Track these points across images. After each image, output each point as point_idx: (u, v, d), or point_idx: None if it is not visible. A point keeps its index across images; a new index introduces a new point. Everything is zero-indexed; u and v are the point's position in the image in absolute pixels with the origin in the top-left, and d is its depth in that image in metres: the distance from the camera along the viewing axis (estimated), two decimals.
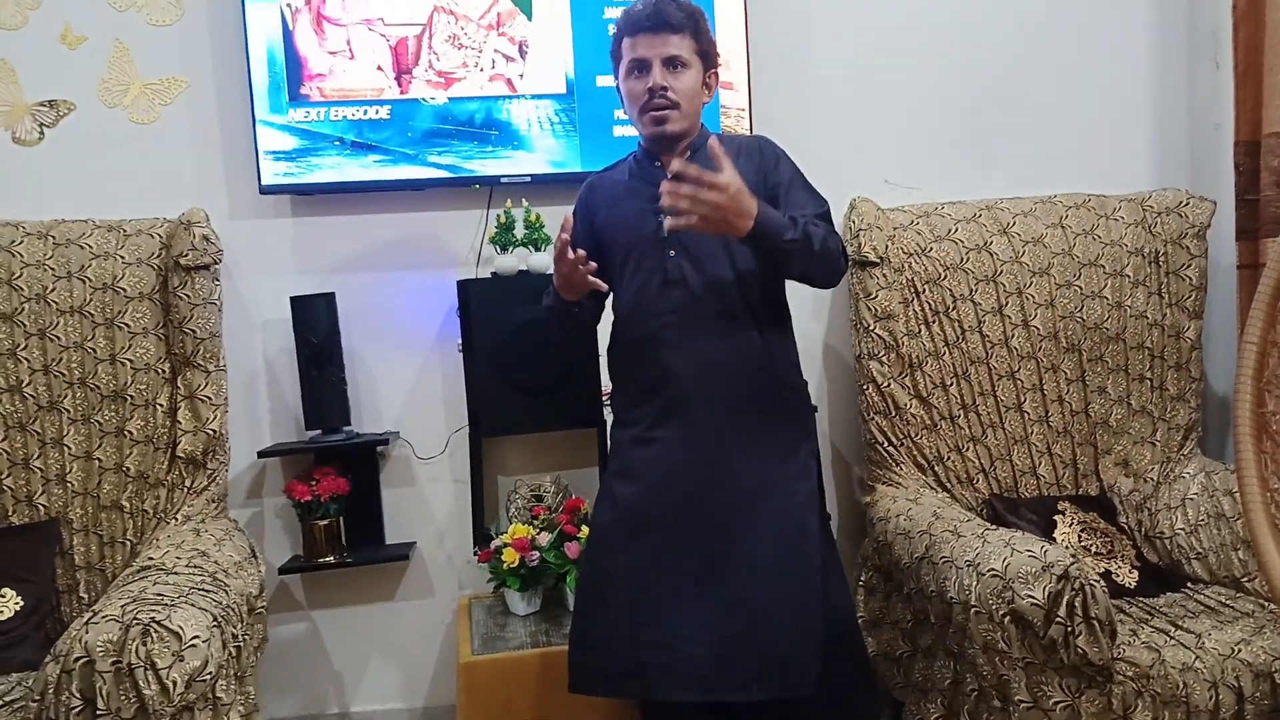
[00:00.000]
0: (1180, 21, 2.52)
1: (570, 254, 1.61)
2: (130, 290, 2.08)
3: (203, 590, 1.66)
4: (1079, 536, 2.10)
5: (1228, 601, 1.91)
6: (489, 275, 2.28)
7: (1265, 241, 2.26)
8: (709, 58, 1.72)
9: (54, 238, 2.08)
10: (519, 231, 2.26)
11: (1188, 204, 2.32)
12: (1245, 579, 1.97)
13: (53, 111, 2.26)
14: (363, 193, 2.31)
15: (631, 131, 2.32)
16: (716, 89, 1.78)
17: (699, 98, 1.71)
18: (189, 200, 2.19)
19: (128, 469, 2.05)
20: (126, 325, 2.07)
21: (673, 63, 1.65)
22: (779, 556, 1.63)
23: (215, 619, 1.59)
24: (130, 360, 2.07)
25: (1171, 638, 1.73)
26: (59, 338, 2.05)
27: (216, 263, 2.10)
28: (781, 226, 1.57)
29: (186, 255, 2.05)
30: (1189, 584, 2.04)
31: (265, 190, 2.24)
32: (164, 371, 2.09)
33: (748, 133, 2.14)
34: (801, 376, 1.81)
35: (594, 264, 1.65)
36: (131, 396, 2.07)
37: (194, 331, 2.07)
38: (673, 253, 1.67)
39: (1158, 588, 2.03)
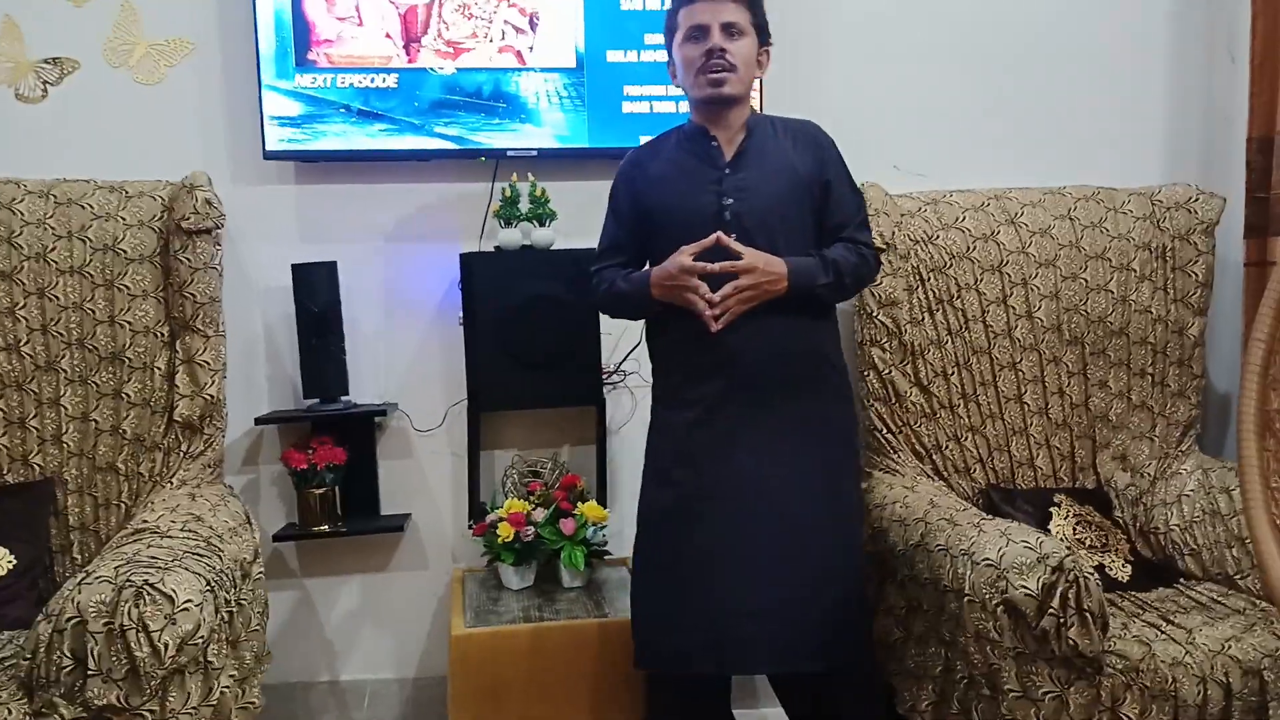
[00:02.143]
0: (1197, 15, 2.50)
1: (696, 282, 1.65)
2: (131, 252, 2.06)
3: (196, 554, 1.66)
4: (1074, 529, 2.10)
5: (1219, 598, 1.91)
6: (492, 249, 2.26)
7: (1275, 240, 2.24)
8: (763, 32, 1.77)
9: (55, 197, 2.07)
10: (524, 206, 2.24)
11: (1197, 199, 2.30)
12: (1238, 576, 1.97)
13: (56, 69, 2.23)
14: (367, 161, 2.29)
15: (640, 108, 2.32)
16: (768, 67, 1.81)
17: (754, 68, 1.76)
18: (192, 164, 2.18)
19: (124, 431, 2.05)
20: (126, 287, 2.06)
21: (730, 29, 1.70)
22: (835, 533, 1.73)
23: (208, 583, 1.59)
24: (129, 322, 2.06)
25: (1162, 632, 1.74)
26: (58, 297, 2.04)
27: (218, 227, 2.09)
28: (813, 274, 1.70)
29: (188, 219, 2.04)
30: (1182, 580, 2.05)
31: (269, 156, 2.23)
32: (163, 335, 2.08)
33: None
34: (840, 354, 1.86)
35: (713, 296, 1.66)
36: (130, 359, 2.06)
37: (194, 296, 2.06)
38: (734, 235, 1.70)
39: (1150, 582, 2.03)
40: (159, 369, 2.07)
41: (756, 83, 2.28)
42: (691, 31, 1.71)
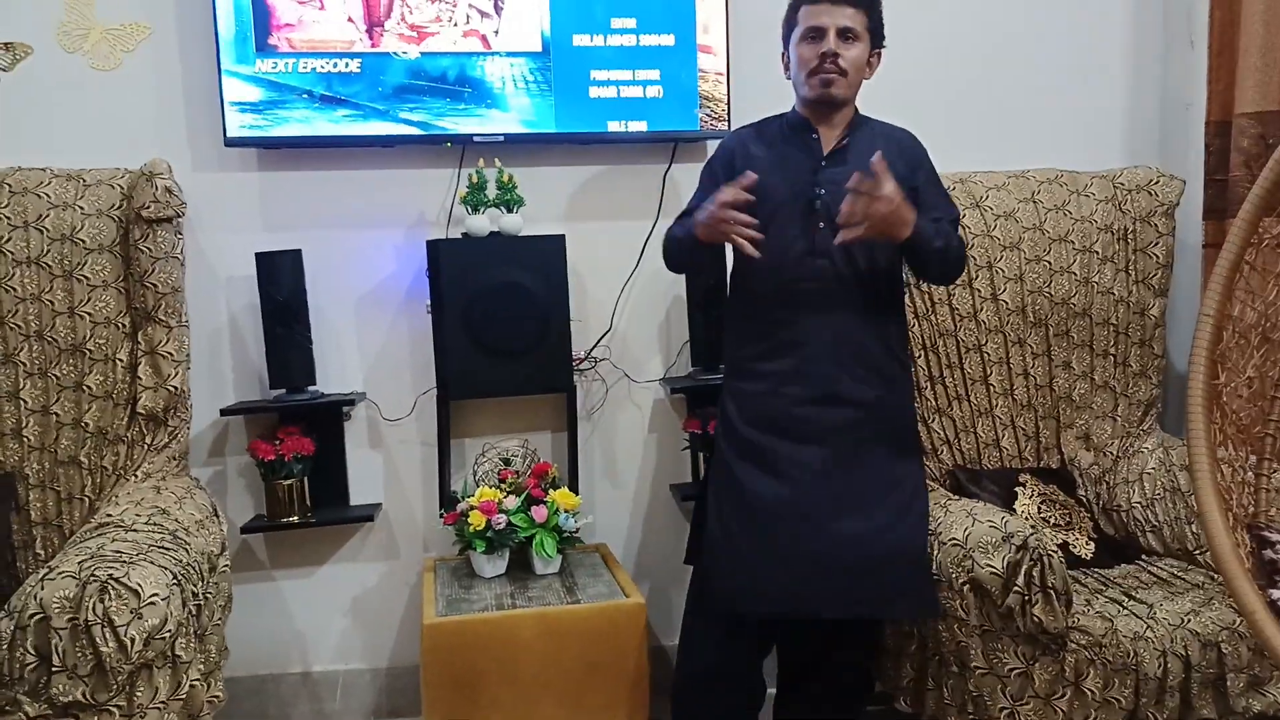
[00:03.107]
0: (1156, 1, 2.53)
1: (733, 210, 1.68)
2: (90, 242, 2.02)
3: (162, 548, 1.64)
4: (1039, 508, 2.13)
5: (1179, 574, 1.96)
6: (460, 236, 2.25)
7: (1231, 221, 2.28)
8: (877, 36, 1.82)
9: (10, 186, 2.02)
10: (491, 192, 2.22)
11: (1158, 182, 2.34)
12: (1197, 551, 2.02)
13: (9, 55, 2.18)
14: (331, 148, 2.26)
15: (607, 93, 2.31)
16: (877, 69, 1.86)
17: (862, 72, 1.82)
18: (151, 151, 2.13)
19: (86, 424, 2.01)
20: (86, 278, 2.02)
21: (846, 34, 1.76)
22: (902, 502, 1.79)
23: (175, 577, 1.58)
24: (89, 314, 2.02)
25: (1124, 608, 1.77)
26: (15, 289, 1.99)
27: (179, 215, 2.05)
28: (931, 235, 1.74)
29: (148, 207, 2.00)
30: (1143, 556, 2.09)
31: (230, 143, 2.19)
32: (124, 326, 2.05)
33: (887, 122, 2.04)
34: (910, 365, 1.97)
35: (754, 233, 1.69)
36: (90, 350, 2.02)
37: (155, 286, 2.02)
38: (821, 225, 1.76)
39: (1113, 559, 2.07)
40: (121, 361, 2.04)
41: (723, 68, 2.32)
42: (809, 32, 1.76)
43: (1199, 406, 1.16)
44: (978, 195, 2.31)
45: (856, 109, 1.87)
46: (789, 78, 1.86)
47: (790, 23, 1.82)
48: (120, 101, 2.21)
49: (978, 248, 2.28)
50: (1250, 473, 1.25)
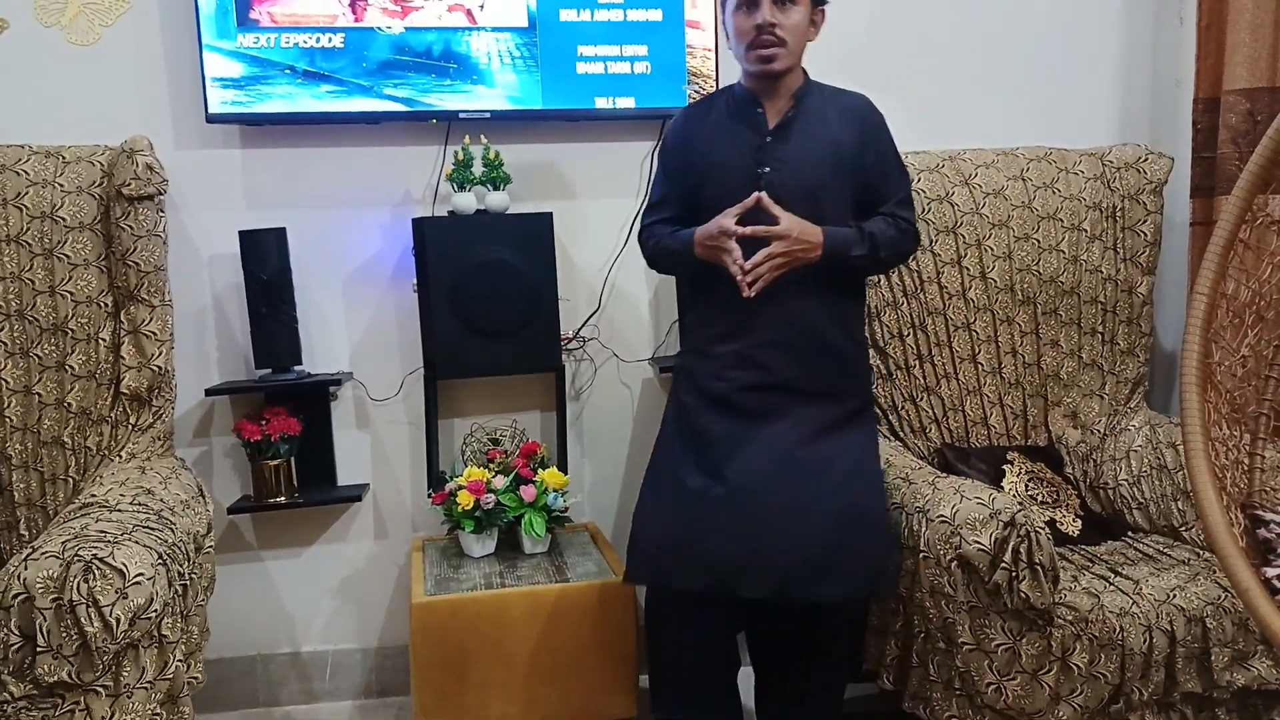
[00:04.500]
0: None
1: (731, 244, 1.67)
2: (70, 220, 1.99)
3: (147, 528, 1.62)
4: (1026, 486, 2.14)
5: (1165, 550, 1.97)
6: (446, 214, 2.23)
7: (1220, 199, 2.28)
8: None
9: None
10: (477, 169, 2.20)
11: (1146, 160, 2.33)
12: (1183, 528, 2.03)
13: None
14: (315, 125, 2.23)
15: (595, 69, 2.29)
16: (822, 27, 1.80)
17: (805, 36, 1.75)
18: (131, 127, 2.10)
19: (69, 404, 1.99)
20: (66, 256, 1.99)
21: (782, 0, 1.69)
22: (853, 480, 1.73)
23: (160, 556, 1.56)
24: (70, 292, 2.00)
25: (1111, 584, 1.78)
26: None
27: (161, 193, 2.02)
28: (849, 244, 1.71)
29: (129, 185, 1.97)
30: (1130, 533, 2.10)
31: (212, 119, 2.16)
32: (106, 305, 2.02)
33: (844, 88, 1.96)
34: (866, 343, 1.92)
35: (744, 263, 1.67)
36: (73, 330, 2.00)
37: (138, 264, 2.00)
38: None
39: (1100, 536, 2.08)
40: (104, 340, 2.02)
41: (711, 44, 2.29)
42: (743, 1, 1.70)
43: (1193, 385, 1.16)
44: (967, 173, 2.30)
45: (805, 76, 1.81)
46: (730, 49, 1.78)
47: None
48: (99, 77, 2.17)
49: (966, 225, 2.27)
50: (1244, 452, 1.25)
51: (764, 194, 1.67)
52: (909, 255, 1.86)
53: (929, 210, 2.26)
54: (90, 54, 2.17)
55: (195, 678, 1.72)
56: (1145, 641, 1.66)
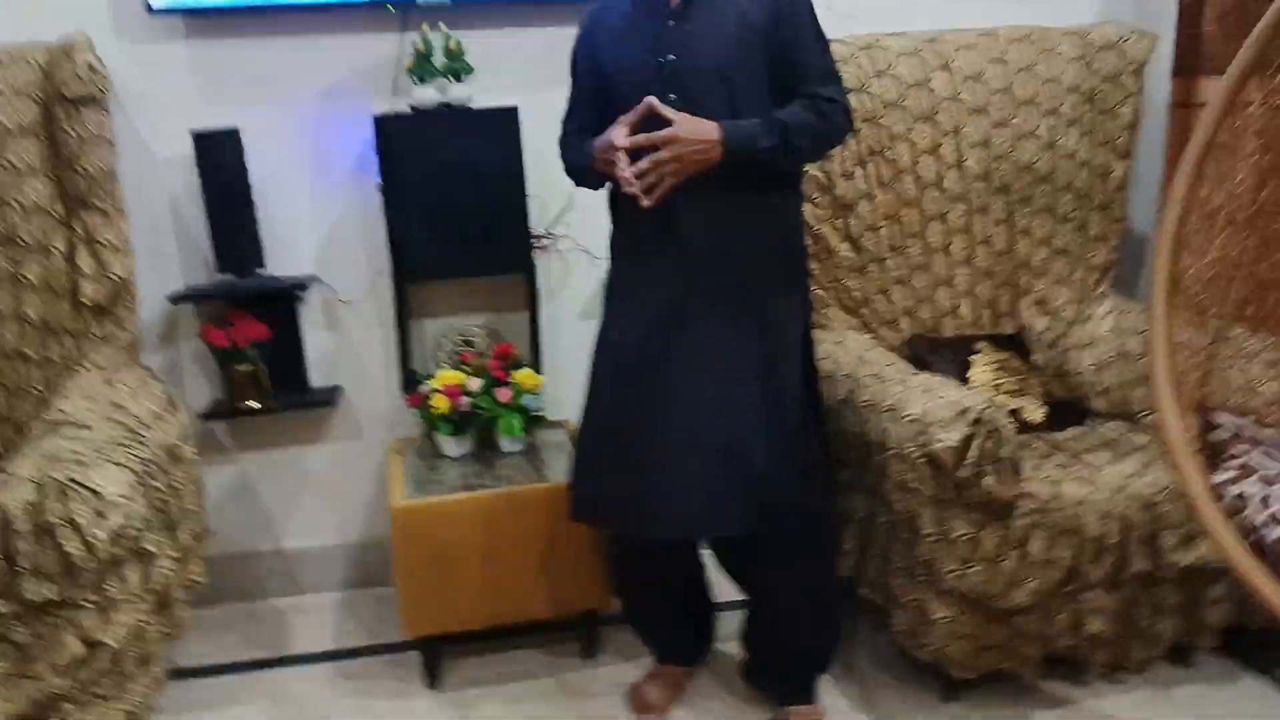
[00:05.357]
0: None
1: (617, 156, 1.59)
2: (10, 124, 1.90)
3: (121, 444, 1.62)
4: (993, 374, 2.17)
5: (1124, 435, 2.02)
6: (407, 108, 2.14)
7: (1201, 79, 2.23)
8: None
9: None
10: (438, 60, 2.11)
11: (1128, 39, 2.26)
12: (1140, 415, 2.08)
13: None
14: (263, 14, 2.11)
15: None
16: None
17: None
18: (65, 18, 1.99)
19: (28, 316, 1.95)
20: (9, 162, 1.91)
21: None
22: (759, 400, 1.65)
23: (135, 474, 1.57)
24: (19, 201, 1.93)
25: (1069, 471, 1.84)
26: None
27: (104, 93, 1.93)
28: (754, 138, 1.57)
29: (70, 86, 1.88)
30: (1091, 416, 2.15)
31: (154, 12, 2.03)
32: (58, 213, 1.96)
33: None
34: (803, 239, 1.80)
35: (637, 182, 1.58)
36: (24, 240, 1.94)
37: (86, 170, 1.92)
38: (673, 96, 1.60)
39: (1062, 422, 2.13)
40: (58, 250, 1.96)
41: None
42: None
43: (1160, 296, 1.16)
44: (946, 56, 2.23)
45: None
46: None
47: None
48: None
49: (945, 112, 2.22)
50: (1203, 354, 1.27)
51: (653, 98, 1.56)
52: (840, 137, 1.68)
53: (906, 96, 2.20)
54: None
55: (193, 580, 1.77)
56: (1100, 527, 1.73)
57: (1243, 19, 2.11)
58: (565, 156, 1.80)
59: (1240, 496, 1.10)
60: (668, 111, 1.57)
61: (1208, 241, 1.24)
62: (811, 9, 1.67)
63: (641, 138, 1.57)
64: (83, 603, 1.48)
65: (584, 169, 1.73)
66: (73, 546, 1.44)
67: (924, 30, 2.27)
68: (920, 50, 2.23)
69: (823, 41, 1.68)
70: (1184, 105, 2.28)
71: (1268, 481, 1.09)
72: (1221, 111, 1.15)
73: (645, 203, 1.58)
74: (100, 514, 1.47)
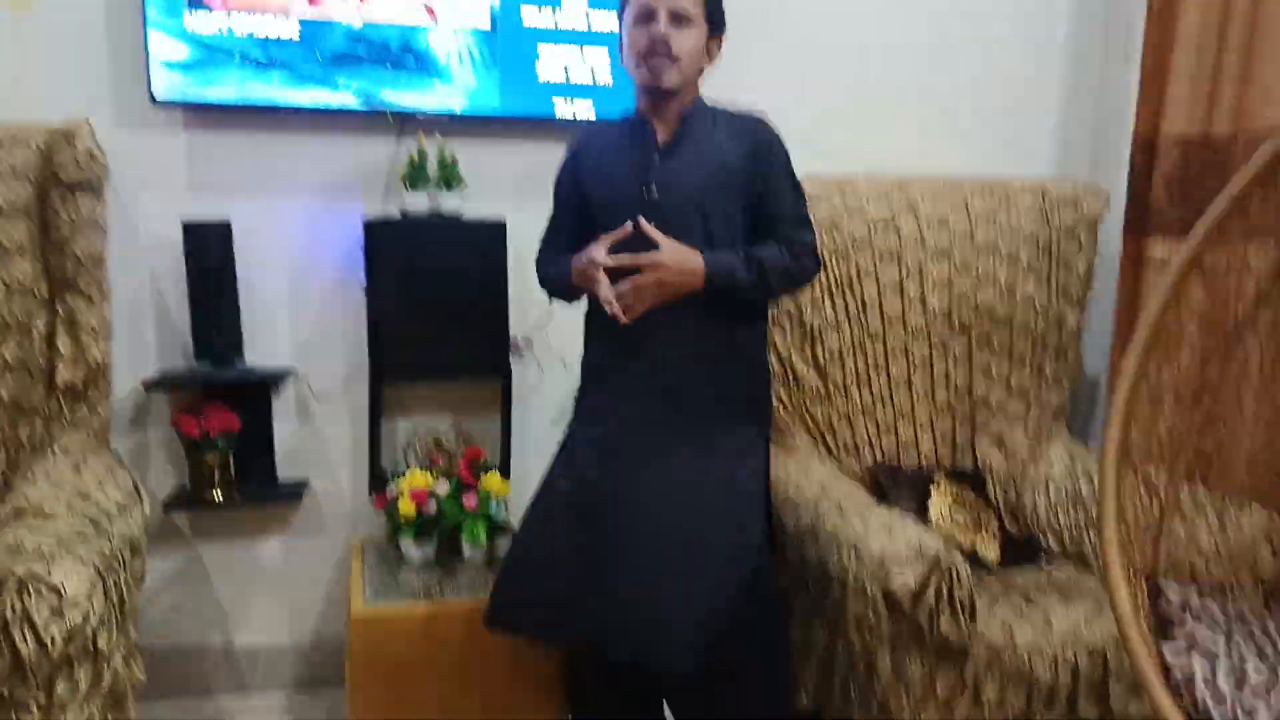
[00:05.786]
0: (1099, 11, 2.58)
1: (597, 275, 1.65)
2: (4, 204, 1.92)
3: (84, 538, 1.60)
4: (950, 509, 2.24)
5: (1075, 578, 2.09)
6: (397, 212, 2.20)
7: (1150, 238, 2.38)
8: (716, 23, 1.72)
9: None
10: (431, 169, 2.18)
11: (1084, 196, 2.42)
12: (1093, 557, 2.15)
13: None
14: (265, 113, 2.18)
15: (555, 75, 2.27)
16: (718, 57, 1.76)
17: (700, 60, 1.71)
18: (69, 103, 2.04)
19: (0, 396, 1.94)
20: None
21: (679, 18, 1.65)
22: (727, 544, 1.66)
23: (97, 570, 1.55)
24: (4, 281, 1.93)
25: (1023, 614, 1.88)
26: None
27: (102, 180, 1.96)
28: (733, 271, 1.66)
29: (68, 171, 1.91)
30: (1045, 557, 2.22)
31: (157, 103, 2.09)
32: (41, 293, 1.97)
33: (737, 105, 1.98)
34: (767, 373, 1.87)
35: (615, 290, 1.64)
36: (4, 319, 1.94)
37: (75, 254, 1.94)
38: (652, 224, 1.66)
39: (1016, 559, 2.19)
40: (38, 330, 1.96)
41: None
42: (640, 13, 1.66)
43: (1111, 465, 1.23)
44: (914, 200, 2.36)
45: (699, 97, 1.75)
46: (624, 64, 1.74)
47: (622, 2, 1.72)
48: (33, 47, 2.08)
49: (910, 253, 2.34)
50: (1154, 522, 1.34)
51: (641, 219, 1.63)
52: (807, 278, 1.78)
53: (875, 233, 2.32)
54: (25, 23, 2.07)
55: (138, 680, 1.73)
56: (1051, 675, 1.77)
57: (1187, 186, 2.27)
58: (542, 270, 1.87)
59: (1188, 670, 1.15)
60: (656, 235, 1.64)
61: (1156, 415, 1.32)
62: (787, 156, 1.77)
63: (626, 257, 1.63)
64: (29, 703, 1.45)
65: (562, 283, 1.79)
66: (26, 645, 1.41)
67: (893, 173, 2.40)
68: (889, 193, 2.36)
69: (798, 189, 1.78)
70: (1134, 261, 2.42)
71: (1211, 657, 1.15)
72: (1167, 299, 1.24)
73: (623, 320, 1.64)
74: (57, 612, 1.44)
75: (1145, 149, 2.39)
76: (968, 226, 2.37)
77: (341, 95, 2.16)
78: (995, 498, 2.34)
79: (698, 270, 1.64)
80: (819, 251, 1.78)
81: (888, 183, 2.37)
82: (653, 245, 1.64)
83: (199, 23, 2.07)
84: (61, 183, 1.93)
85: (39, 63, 2.08)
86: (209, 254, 2.10)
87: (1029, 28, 2.57)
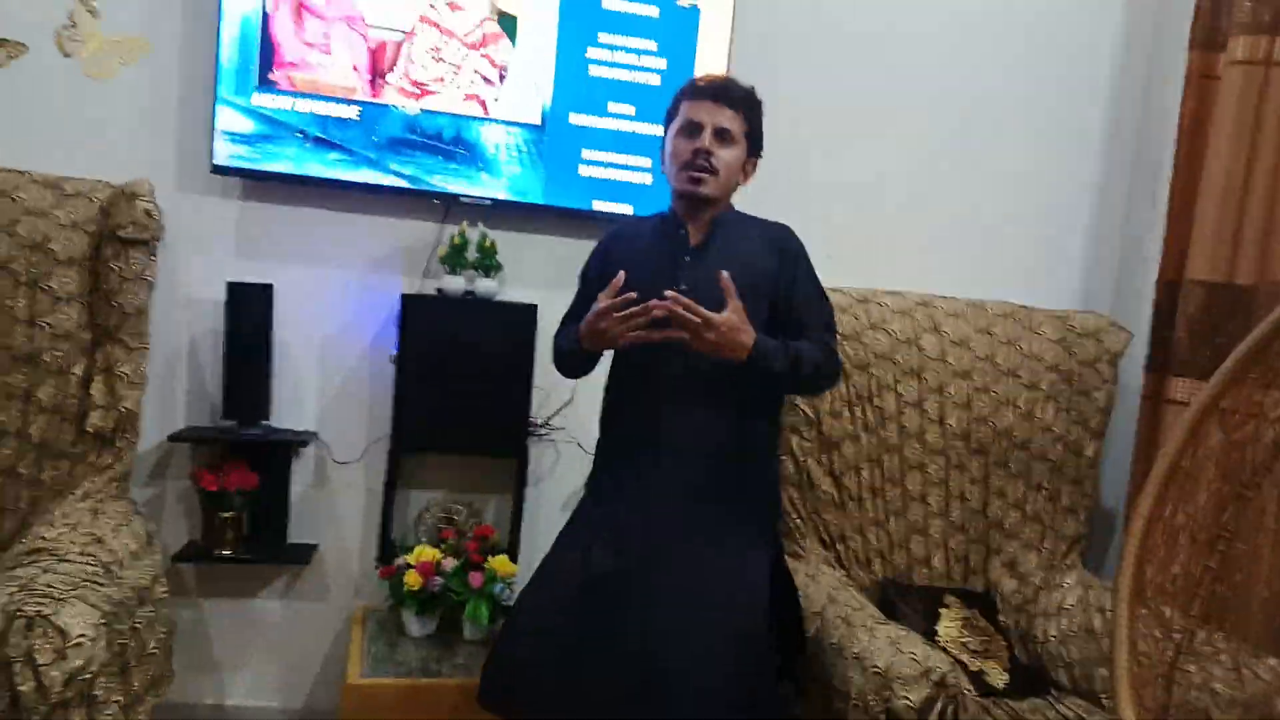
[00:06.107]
0: (1127, 151, 2.67)
1: (611, 306, 1.67)
2: (60, 253, 2.01)
3: (94, 583, 1.62)
4: (960, 631, 2.21)
5: (1084, 715, 2.03)
6: (434, 292, 2.27)
7: (1171, 377, 2.39)
8: (755, 144, 1.82)
9: None
10: (471, 254, 2.26)
11: (1107, 331, 2.45)
12: (1103, 695, 2.10)
13: (0, 51, 2.16)
14: (320, 186, 2.27)
15: (599, 173, 2.36)
16: (752, 176, 1.85)
17: (736, 175, 1.80)
18: (134, 165, 2.14)
19: (30, 435, 1.98)
20: (51, 289, 2.00)
21: (723, 134, 1.75)
22: (719, 630, 1.67)
23: (104, 615, 1.56)
24: (50, 325, 2.00)
25: None
26: None
27: (156, 239, 2.05)
28: (773, 357, 1.69)
29: (126, 228, 2.00)
30: (1054, 690, 2.17)
31: (217, 170, 2.19)
32: (83, 341, 2.03)
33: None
34: (777, 470, 1.91)
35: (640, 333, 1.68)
36: (46, 362, 2.00)
37: (121, 305, 2.01)
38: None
39: (1025, 690, 2.14)
40: (75, 375, 2.02)
41: None
42: (686, 126, 1.76)
43: (1124, 604, 1.23)
44: (937, 319, 2.40)
45: (731, 206, 1.84)
46: (665, 169, 1.83)
47: (671, 114, 1.82)
48: (110, 113, 2.20)
49: (931, 371, 2.36)
50: (1166, 664, 1.32)
51: (673, 293, 1.64)
52: (832, 379, 1.83)
53: (897, 351, 2.35)
54: (104, 89, 2.20)
55: None
56: None
57: (1210, 329, 2.30)
58: (555, 343, 1.92)
59: None
60: (733, 299, 1.65)
61: (1171, 556, 1.32)
62: (810, 265, 1.85)
63: (700, 313, 1.62)
64: None
65: (571, 350, 1.82)
66: (26, 685, 1.42)
67: (917, 292, 2.45)
68: (913, 310, 2.40)
69: (824, 297, 1.85)
70: (1154, 398, 2.43)
71: None
72: (1184, 441, 1.26)
73: (655, 313, 1.64)
74: (61, 654, 1.45)
75: (1169, 290, 2.42)
76: (990, 350, 2.41)
77: (392, 177, 2.26)
78: (1007, 623, 2.31)
79: (746, 346, 1.67)
80: (840, 358, 1.84)
81: (911, 300, 2.42)
82: (680, 331, 1.65)
83: (266, 100, 2.18)
84: (118, 238, 2.01)
85: (113, 125, 2.20)
86: (250, 313, 2.17)
87: (1061, 165, 2.65)
